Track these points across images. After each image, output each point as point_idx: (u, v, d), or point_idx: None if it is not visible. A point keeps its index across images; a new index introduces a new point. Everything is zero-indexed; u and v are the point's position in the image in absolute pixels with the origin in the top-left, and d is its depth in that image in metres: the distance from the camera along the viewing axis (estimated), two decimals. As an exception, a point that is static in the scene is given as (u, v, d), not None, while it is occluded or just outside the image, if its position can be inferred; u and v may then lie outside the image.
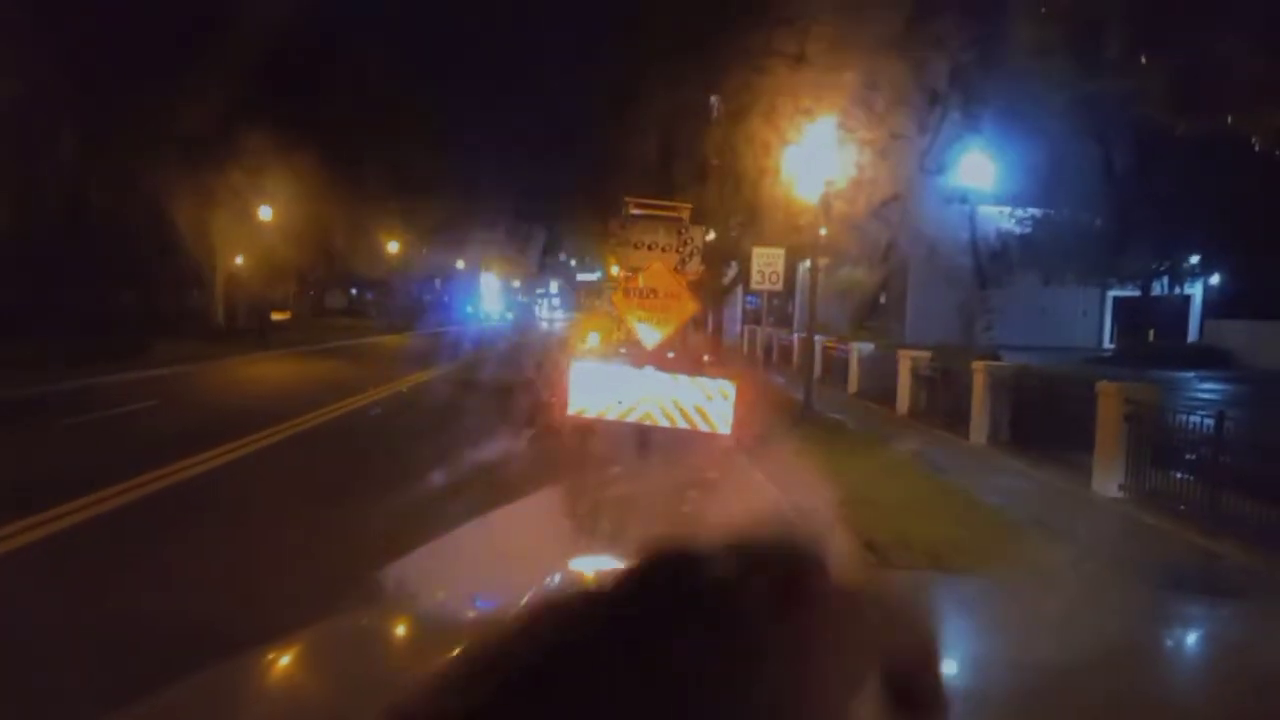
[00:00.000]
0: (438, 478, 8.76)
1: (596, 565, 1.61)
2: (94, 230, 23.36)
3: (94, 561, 6.12)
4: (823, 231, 16.12)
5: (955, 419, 13.32)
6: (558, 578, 1.63)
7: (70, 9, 20.55)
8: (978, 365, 13.20)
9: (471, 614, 1.57)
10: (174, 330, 24.70)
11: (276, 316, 35.45)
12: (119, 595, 5.26)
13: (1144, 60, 8.88)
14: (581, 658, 0.28)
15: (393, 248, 47.24)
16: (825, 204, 14.90)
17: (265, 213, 30.87)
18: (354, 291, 56.34)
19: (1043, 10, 10.10)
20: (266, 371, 21.50)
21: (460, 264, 64.26)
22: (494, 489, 8.16)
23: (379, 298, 55.00)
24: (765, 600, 0.29)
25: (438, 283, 63.60)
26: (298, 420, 12.45)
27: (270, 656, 1.38)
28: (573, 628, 0.30)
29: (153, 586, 5.47)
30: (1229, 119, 8.34)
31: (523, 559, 1.71)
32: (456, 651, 0.30)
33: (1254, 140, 8.53)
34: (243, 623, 4.10)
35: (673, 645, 0.28)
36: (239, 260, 32.54)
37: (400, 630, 1.53)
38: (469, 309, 59.23)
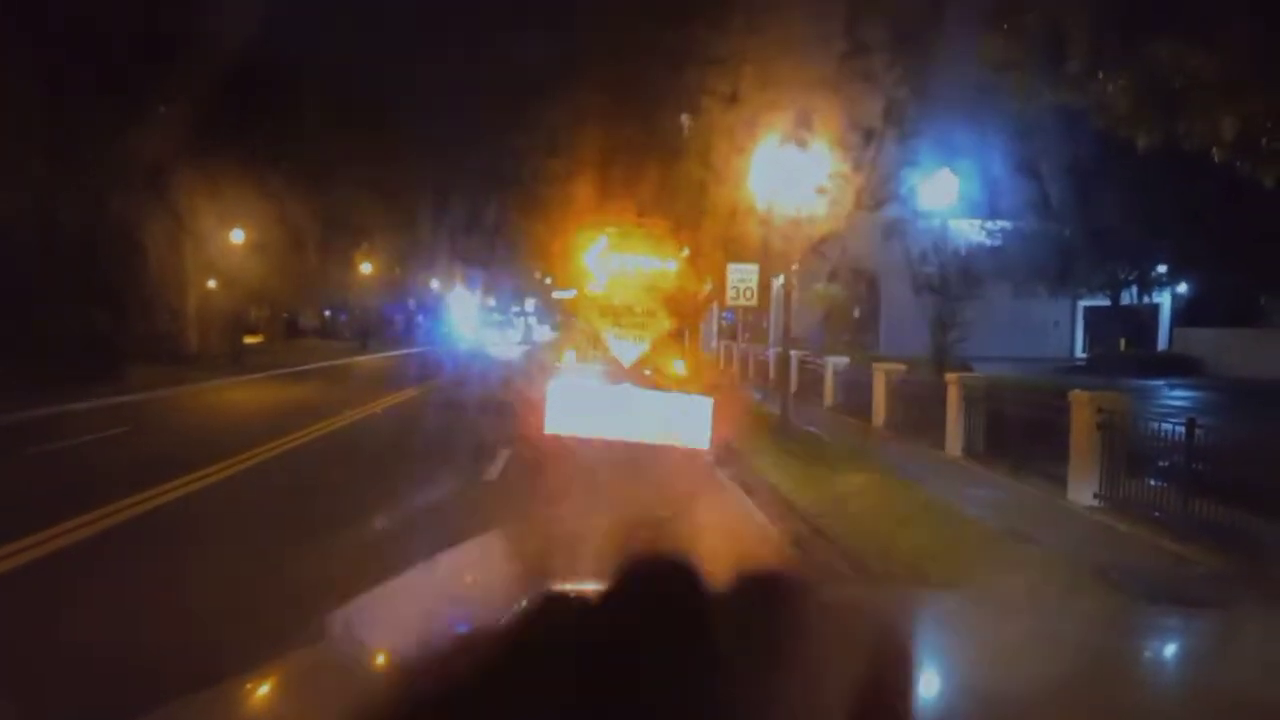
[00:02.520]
0: (411, 502, 8.71)
1: (576, 585, 1.60)
2: (64, 253, 23.11)
3: (52, 595, 6.02)
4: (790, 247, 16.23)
5: (930, 431, 13.40)
6: (535, 598, 1.61)
7: (37, 31, 20.40)
8: (951, 378, 13.29)
9: (450, 639, 1.55)
10: (145, 354, 24.44)
11: (249, 339, 35.21)
12: (79, 629, 5.17)
13: (1100, 75, 9.01)
14: (559, 670, 0.26)
15: (365, 269, 47.07)
16: (770, 224, 15.03)
17: (237, 235, 30.71)
18: (327, 313, 56.04)
19: (1004, 26, 10.23)
20: (239, 396, 21.33)
21: (434, 284, 64.05)
22: (468, 514, 8.13)
23: (352, 319, 54.75)
24: (742, 614, 0.28)
25: (411, 303, 63.35)
26: (270, 445, 12.33)
27: (231, 689, 1.37)
28: (551, 641, 0.29)
29: (112, 621, 5.39)
30: (1186, 132, 8.46)
31: (500, 582, 1.70)
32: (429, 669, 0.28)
33: (1213, 152, 8.65)
34: (206, 655, 4.05)
35: (647, 658, 0.26)
36: (211, 283, 32.31)
37: (372, 661, 1.52)
38: (443, 329, 58.96)
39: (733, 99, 16.55)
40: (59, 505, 7.99)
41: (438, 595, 1.83)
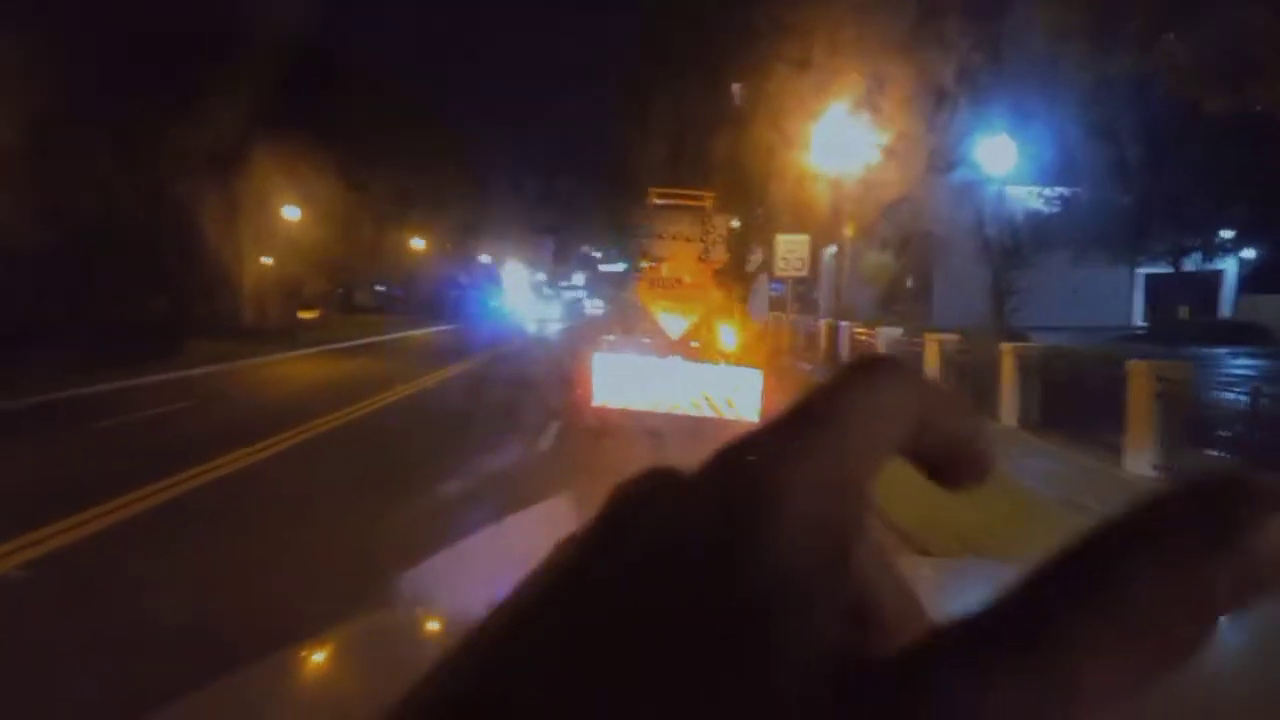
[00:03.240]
0: (466, 472, 8.83)
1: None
2: (126, 239, 23.68)
3: (135, 562, 6.21)
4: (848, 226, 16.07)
5: (986, 402, 13.23)
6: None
7: (97, 19, 20.77)
8: (1006, 347, 13.09)
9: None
10: (205, 332, 24.98)
11: (305, 315, 35.73)
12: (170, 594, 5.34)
13: (1170, 37, 8.74)
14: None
15: (418, 244, 47.52)
16: (836, 190, 14.83)
17: (292, 213, 31.14)
18: (381, 289, 56.73)
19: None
20: (294, 371, 21.71)
21: (486, 258, 64.52)
22: (522, 483, 8.22)
23: (406, 294, 55.31)
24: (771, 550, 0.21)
25: (464, 279, 63.86)
26: (324, 419, 12.55)
27: (298, 655, 1.39)
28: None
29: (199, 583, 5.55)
30: (1255, 96, 8.19)
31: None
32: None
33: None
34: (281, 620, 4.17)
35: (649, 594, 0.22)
36: (267, 260, 32.85)
37: (427, 628, 1.54)
38: (494, 303, 59.40)
39: (802, 64, 16.36)
40: (126, 476, 8.25)
41: (501, 559, 1.85)
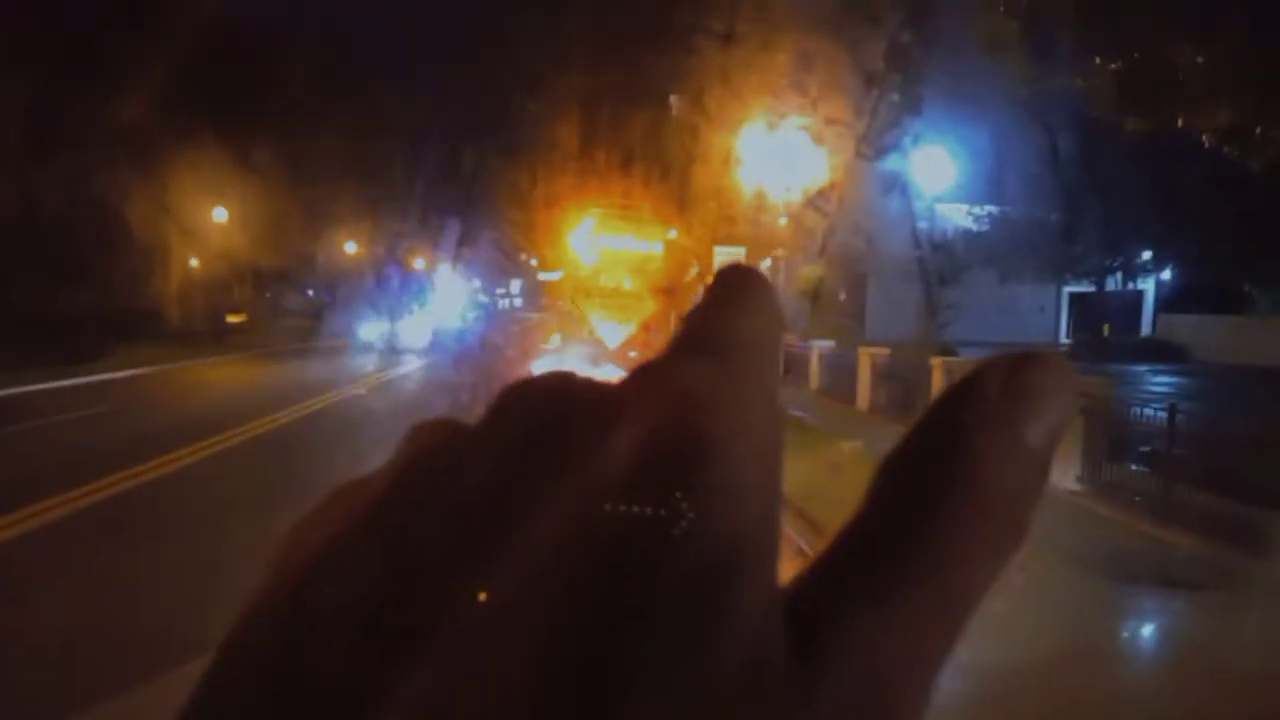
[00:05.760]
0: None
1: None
2: (45, 231, 22.88)
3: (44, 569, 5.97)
4: (782, 220, 16.22)
5: (914, 414, 13.39)
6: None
7: (13, 5, 20.10)
8: (935, 361, 13.32)
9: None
10: (127, 333, 24.24)
11: (232, 318, 34.96)
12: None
13: (1095, 60, 9.01)
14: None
15: (350, 248, 46.81)
16: (761, 199, 14.98)
17: (220, 214, 30.44)
18: (310, 293, 55.67)
19: (1001, 9, 10.21)
20: (219, 375, 21.19)
21: (419, 264, 63.76)
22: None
23: (335, 299, 54.38)
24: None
25: (396, 284, 62.94)
26: (254, 423, 12.26)
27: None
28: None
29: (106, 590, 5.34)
30: (1177, 117, 8.47)
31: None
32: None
33: (1204, 137, 8.67)
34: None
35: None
36: (194, 262, 32.05)
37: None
38: (429, 310, 58.67)
39: (731, 42, 16.40)
40: (33, 485, 7.92)
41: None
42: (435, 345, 30.29)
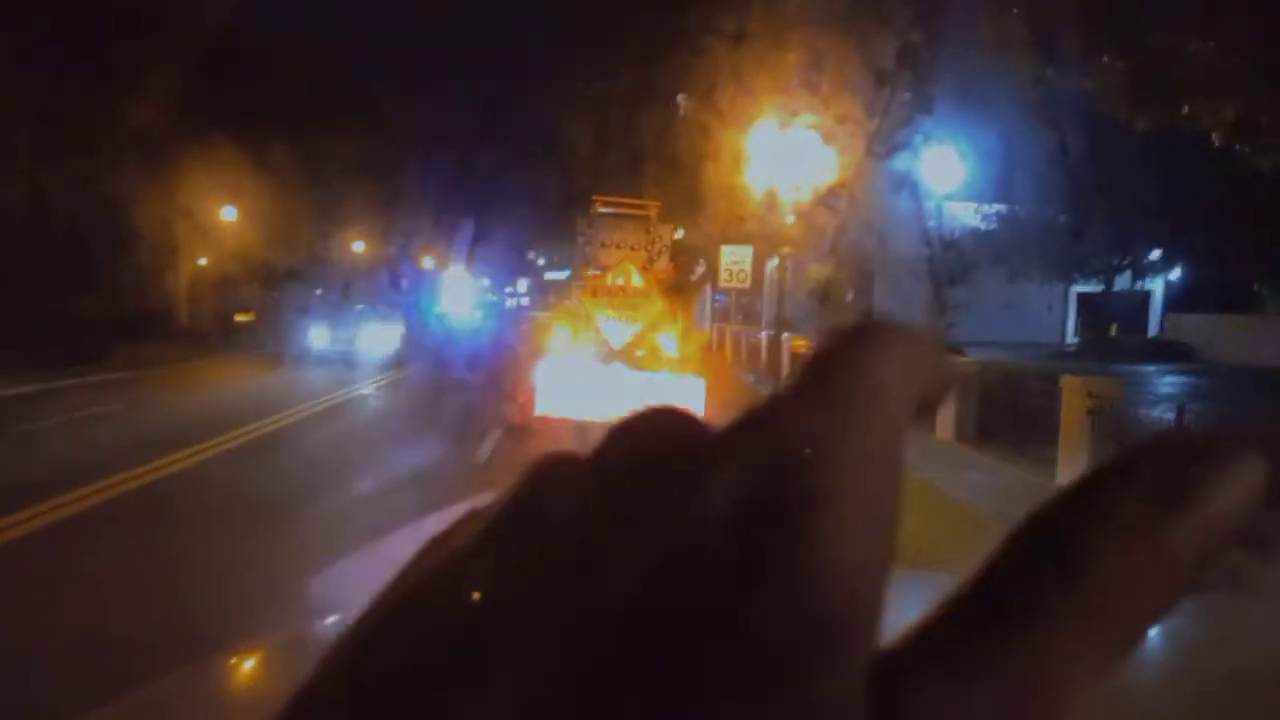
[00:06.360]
0: (398, 482, 8.67)
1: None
2: (55, 232, 22.99)
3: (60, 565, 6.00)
4: (790, 219, 16.20)
5: (916, 414, 13.39)
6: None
7: (21, 8, 20.18)
8: (943, 361, 13.30)
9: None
10: (136, 333, 24.33)
11: (241, 318, 35.06)
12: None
13: (1103, 57, 8.99)
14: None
15: (359, 248, 46.91)
16: (771, 198, 14.97)
17: (229, 214, 30.54)
18: (319, 292, 55.80)
19: (1013, 10, 10.19)
20: (228, 374, 21.24)
21: (428, 264, 63.85)
22: (458, 493, 8.10)
23: (348, 297, 54.45)
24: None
25: (404, 282, 63.05)
26: (256, 425, 12.30)
27: (216, 664, 1.36)
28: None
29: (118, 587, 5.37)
30: (1185, 113, 8.45)
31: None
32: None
33: (1213, 136, 8.64)
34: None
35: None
36: (202, 261, 32.16)
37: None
38: (435, 308, 58.73)
39: (742, 41, 16.38)
40: (46, 482, 7.97)
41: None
42: (414, 354, 26.16)
